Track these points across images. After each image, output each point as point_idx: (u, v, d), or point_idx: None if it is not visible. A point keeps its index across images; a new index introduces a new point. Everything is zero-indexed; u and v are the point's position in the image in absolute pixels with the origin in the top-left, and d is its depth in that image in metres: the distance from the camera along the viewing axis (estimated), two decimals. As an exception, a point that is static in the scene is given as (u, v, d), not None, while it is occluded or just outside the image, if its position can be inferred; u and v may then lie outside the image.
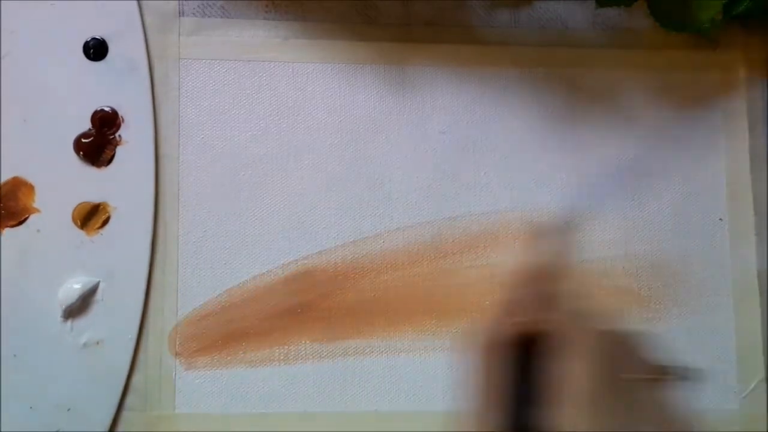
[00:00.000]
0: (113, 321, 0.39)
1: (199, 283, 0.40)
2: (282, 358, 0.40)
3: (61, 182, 0.40)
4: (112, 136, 0.40)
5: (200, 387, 0.40)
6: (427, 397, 0.41)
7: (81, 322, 0.39)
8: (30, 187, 0.40)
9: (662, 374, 0.27)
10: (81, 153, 0.40)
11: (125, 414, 0.39)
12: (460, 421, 0.26)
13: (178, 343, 0.40)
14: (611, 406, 0.25)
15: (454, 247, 0.42)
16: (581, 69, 0.43)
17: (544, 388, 0.25)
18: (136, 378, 0.40)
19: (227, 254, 0.41)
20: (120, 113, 0.40)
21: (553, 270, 0.32)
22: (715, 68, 0.44)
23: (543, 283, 0.30)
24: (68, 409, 0.39)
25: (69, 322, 0.39)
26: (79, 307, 0.39)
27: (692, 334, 0.42)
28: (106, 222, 0.40)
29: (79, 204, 0.40)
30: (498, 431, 0.25)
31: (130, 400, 0.39)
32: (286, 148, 0.42)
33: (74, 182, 0.40)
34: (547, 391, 0.25)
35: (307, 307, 0.41)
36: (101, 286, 0.40)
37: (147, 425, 0.39)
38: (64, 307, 0.39)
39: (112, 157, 0.40)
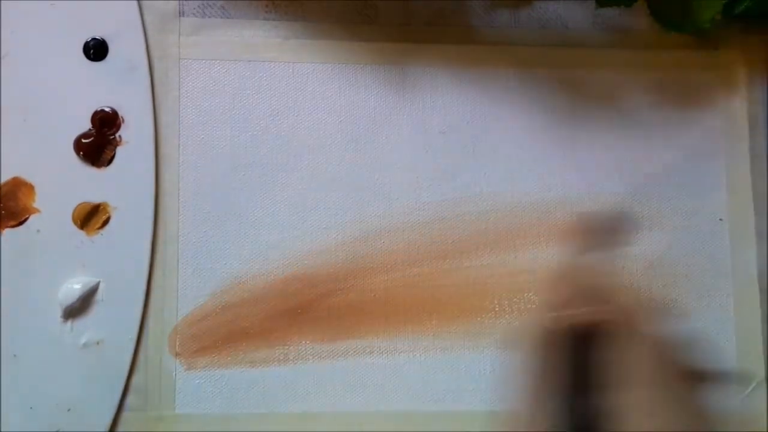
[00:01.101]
0: (113, 321, 0.39)
1: (199, 283, 0.40)
2: (282, 358, 0.40)
3: (61, 182, 0.40)
4: (112, 137, 0.40)
5: (200, 387, 0.40)
6: (427, 397, 0.41)
7: (81, 322, 0.39)
8: (30, 187, 0.40)
9: (711, 377, 0.27)
10: (81, 153, 0.40)
11: (125, 414, 0.39)
12: (508, 419, 0.26)
13: (178, 343, 0.40)
14: (667, 399, 0.24)
15: (454, 247, 0.42)
16: (581, 69, 0.43)
17: (601, 379, 0.25)
18: (136, 378, 0.40)
19: (227, 254, 0.41)
20: (120, 113, 0.40)
21: (598, 264, 0.31)
22: (715, 68, 0.44)
23: (589, 278, 0.30)
24: (68, 409, 0.39)
25: (69, 322, 0.39)
26: (79, 307, 0.39)
27: (692, 334, 0.42)
28: (106, 222, 0.40)
29: (79, 204, 0.40)
30: (554, 426, 0.25)
31: (130, 400, 0.39)
32: (286, 148, 0.42)
33: (74, 182, 0.40)
34: (605, 382, 0.25)
35: (307, 307, 0.41)
36: (101, 286, 0.40)
37: (147, 425, 0.39)
38: (64, 307, 0.39)
39: (112, 157, 0.40)
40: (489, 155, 0.42)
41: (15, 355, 0.39)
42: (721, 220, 0.43)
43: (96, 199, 0.40)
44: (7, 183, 0.40)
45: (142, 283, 0.40)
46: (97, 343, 0.39)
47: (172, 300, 0.40)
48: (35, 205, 0.40)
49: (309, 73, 0.42)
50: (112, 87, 0.40)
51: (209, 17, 0.42)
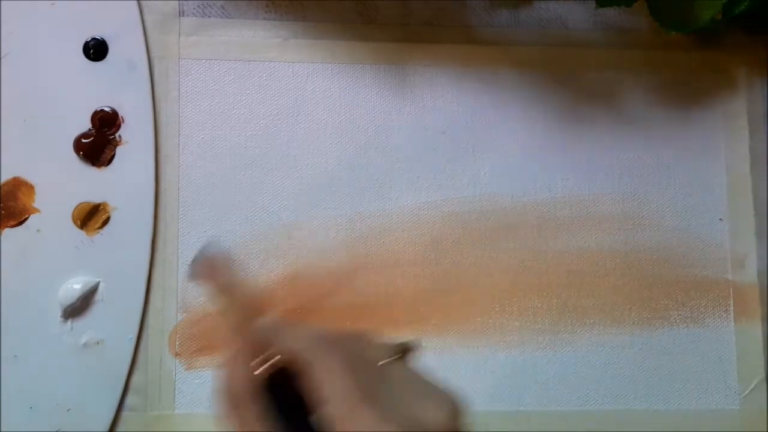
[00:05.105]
0: (113, 321, 0.39)
1: (199, 283, 0.40)
2: (282, 358, 0.40)
3: (61, 182, 0.40)
4: (112, 136, 0.40)
5: (200, 387, 0.40)
6: (427, 397, 0.40)
7: (81, 322, 0.39)
8: (30, 187, 0.40)
9: (399, 351, 0.28)
10: (81, 153, 0.40)
11: (125, 414, 0.39)
12: None
13: (178, 343, 0.40)
14: (377, 393, 0.25)
15: (454, 247, 0.42)
16: (581, 69, 0.43)
17: (314, 409, 0.26)
18: (136, 378, 0.40)
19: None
20: (120, 113, 0.40)
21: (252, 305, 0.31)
22: (715, 68, 0.44)
23: (255, 322, 0.29)
24: (68, 409, 0.39)
25: (69, 322, 0.39)
26: (79, 307, 0.39)
27: (692, 334, 0.42)
28: (106, 222, 0.40)
29: (79, 204, 0.40)
30: None
31: (130, 400, 0.39)
32: (286, 148, 0.42)
33: (74, 182, 0.40)
34: (318, 409, 0.25)
35: (306, 307, 0.41)
36: (101, 286, 0.40)
37: (147, 425, 0.39)
38: (64, 307, 0.39)
39: (112, 157, 0.40)
40: (489, 155, 0.42)
41: (15, 356, 0.39)
42: (721, 220, 0.43)
43: (96, 199, 0.40)
44: (7, 183, 0.40)
45: (141, 282, 0.40)
46: (97, 343, 0.39)
47: (172, 300, 0.40)
48: (35, 205, 0.40)
49: (309, 73, 0.42)
50: (112, 87, 0.40)
51: (209, 17, 0.42)
